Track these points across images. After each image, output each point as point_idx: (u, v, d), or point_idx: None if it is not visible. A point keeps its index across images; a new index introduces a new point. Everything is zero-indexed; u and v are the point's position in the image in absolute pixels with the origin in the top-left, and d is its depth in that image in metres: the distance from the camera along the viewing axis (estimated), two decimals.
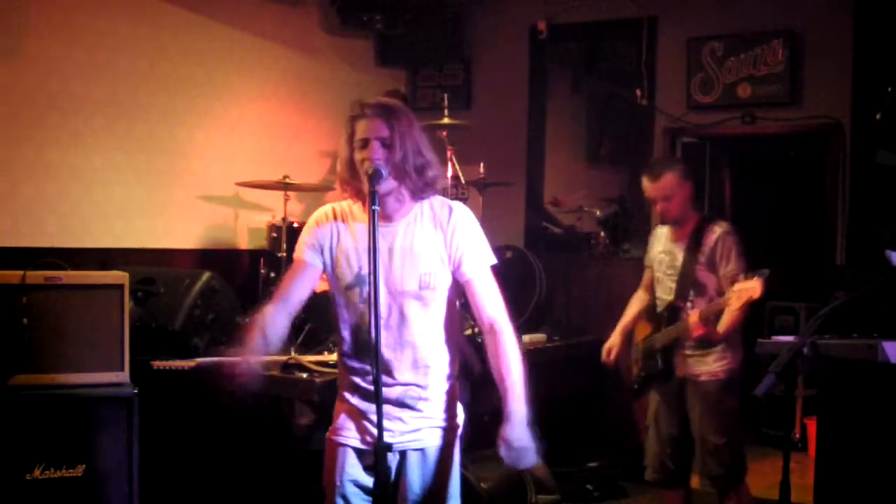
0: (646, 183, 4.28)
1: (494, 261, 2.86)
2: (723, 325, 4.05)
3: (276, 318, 2.84)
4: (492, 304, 2.80)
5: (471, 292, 2.79)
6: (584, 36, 6.93)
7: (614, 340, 4.49)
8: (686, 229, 4.27)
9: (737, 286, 3.86)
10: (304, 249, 2.86)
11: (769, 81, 5.92)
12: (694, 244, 4.20)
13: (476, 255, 2.80)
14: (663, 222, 4.35)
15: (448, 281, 2.80)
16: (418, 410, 2.80)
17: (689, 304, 4.20)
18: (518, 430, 2.70)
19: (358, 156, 2.73)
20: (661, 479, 4.37)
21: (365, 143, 2.72)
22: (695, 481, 4.54)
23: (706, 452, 4.17)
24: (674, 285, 4.25)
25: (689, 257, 4.20)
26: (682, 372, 4.22)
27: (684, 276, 4.20)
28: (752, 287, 3.81)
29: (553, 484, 4.52)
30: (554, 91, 7.11)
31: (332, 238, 2.83)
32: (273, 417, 4.30)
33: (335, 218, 2.85)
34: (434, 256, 2.77)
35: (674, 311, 4.23)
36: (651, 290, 4.50)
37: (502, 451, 2.70)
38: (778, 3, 5.95)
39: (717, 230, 4.18)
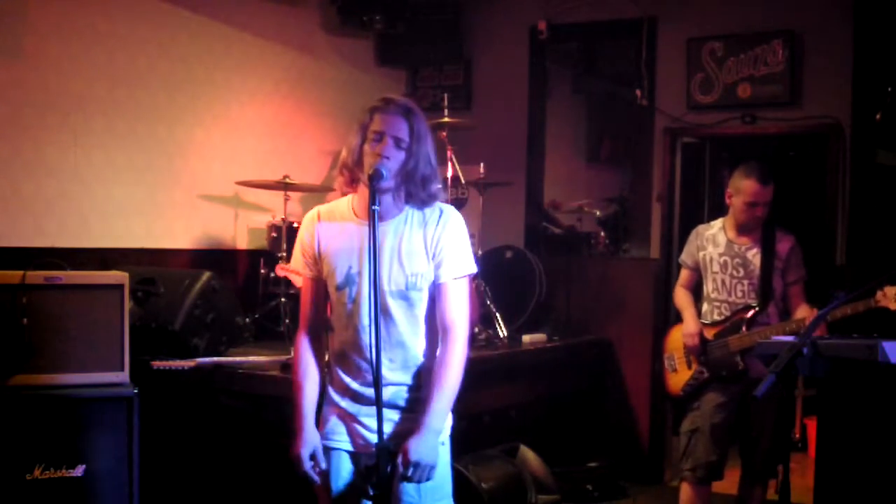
0: (754, 186, 4.32)
1: (474, 270, 2.83)
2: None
3: (310, 352, 2.85)
4: (457, 311, 2.76)
5: (440, 295, 2.76)
6: (584, 36, 6.93)
7: (697, 325, 4.46)
8: (755, 234, 4.37)
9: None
10: (303, 265, 2.86)
11: (769, 81, 5.92)
12: (768, 250, 4.32)
13: (455, 262, 2.77)
14: (748, 227, 4.39)
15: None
16: (410, 411, 2.78)
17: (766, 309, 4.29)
18: (424, 444, 2.63)
19: (369, 147, 2.70)
20: (707, 478, 4.40)
21: (380, 137, 2.70)
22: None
23: (776, 442, 4.25)
24: (746, 289, 4.34)
25: (766, 263, 4.31)
26: (760, 372, 4.23)
27: (765, 282, 4.31)
28: None
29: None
30: (554, 91, 7.11)
31: (320, 241, 2.81)
32: (273, 417, 4.30)
33: (321, 220, 2.84)
34: (421, 257, 2.76)
35: (754, 315, 4.29)
36: (691, 290, 4.59)
37: (400, 461, 2.62)
38: (778, 3, 5.95)
39: (790, 239, 4.37)
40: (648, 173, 6.38)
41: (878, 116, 5.56)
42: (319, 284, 2.85)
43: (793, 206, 7.62)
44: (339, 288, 2.77)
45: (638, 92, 6.29)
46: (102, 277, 3.82)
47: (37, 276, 3.60)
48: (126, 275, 3.79)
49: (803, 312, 4.23)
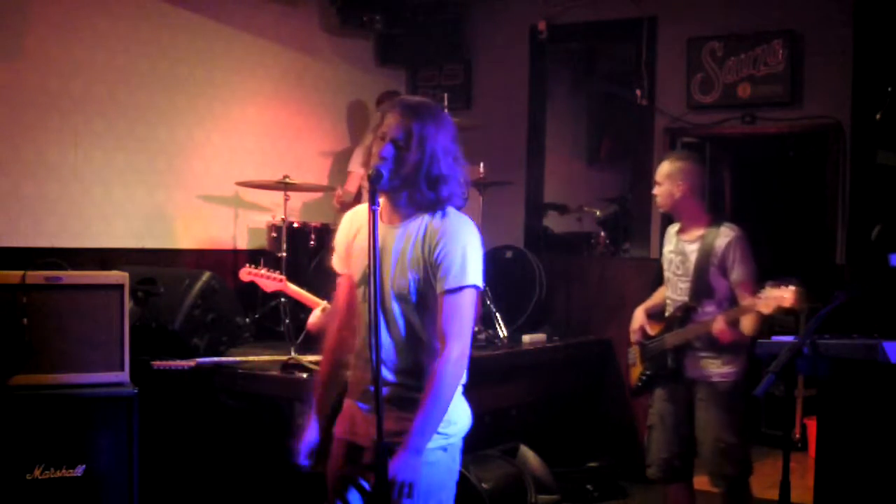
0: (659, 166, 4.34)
1: (476, 283, 2.67)
2: (749, 329, 4.00)
3: (339, 352, 2.91)
4: (450, 325, 2.63)
5: (437, 308, 2.66)
6: (584, 36, 6.93)
7: (640, 320, 4.44)
8: (697, 231, 4.24)
9: (766, 293, 3.81)
10: (335, 259, 2.92)
11: (769, 81, 5.92)
12: (706, 247, 4.16)
13: (451, 274, 2.65)
14: (679, 217, 4.33)
15: None
16: (405, 410, 2.76)
17: (702, 307, 4.18)
18: (406, 462, 2.57)
19: (374, 149, 2.72)
20: (665, 477, 4.37)
21: (383, 138, 2.71)
22: (699, 482, 4.51)
23: (719, 452, 4.13)
24: (685, 286, 4.22)
25: (702, 260, 4.15)
26: (694, 373, 4.20)
27: (699, 279, 4.16)
28: (781, 296, 3.76)
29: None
30: (554, 91, 7.11)
31: (350, 238, 2.87)
32: (273, 417, 4.30)
33: (356, 218, 2.89)
34: (423, 264, 2.73)
35: (687, 313, 4.20)
36: None
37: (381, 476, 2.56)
38: (778, 3, 5.95)
39: (729, 234, 4.14)
40: (648, 173, 6.36)
41: (878, 116, 5.56)
42: (346, 279, 2.89)
43: (792, 206, 7.66)
44: (356, 286, 2.83)
45: (638, 92, 6.29)
46: (102, 277, 3.82)
47: (37, 276, 3.60)
48: (126, 275, 3.79)
49: (746, 302, 4.02)
